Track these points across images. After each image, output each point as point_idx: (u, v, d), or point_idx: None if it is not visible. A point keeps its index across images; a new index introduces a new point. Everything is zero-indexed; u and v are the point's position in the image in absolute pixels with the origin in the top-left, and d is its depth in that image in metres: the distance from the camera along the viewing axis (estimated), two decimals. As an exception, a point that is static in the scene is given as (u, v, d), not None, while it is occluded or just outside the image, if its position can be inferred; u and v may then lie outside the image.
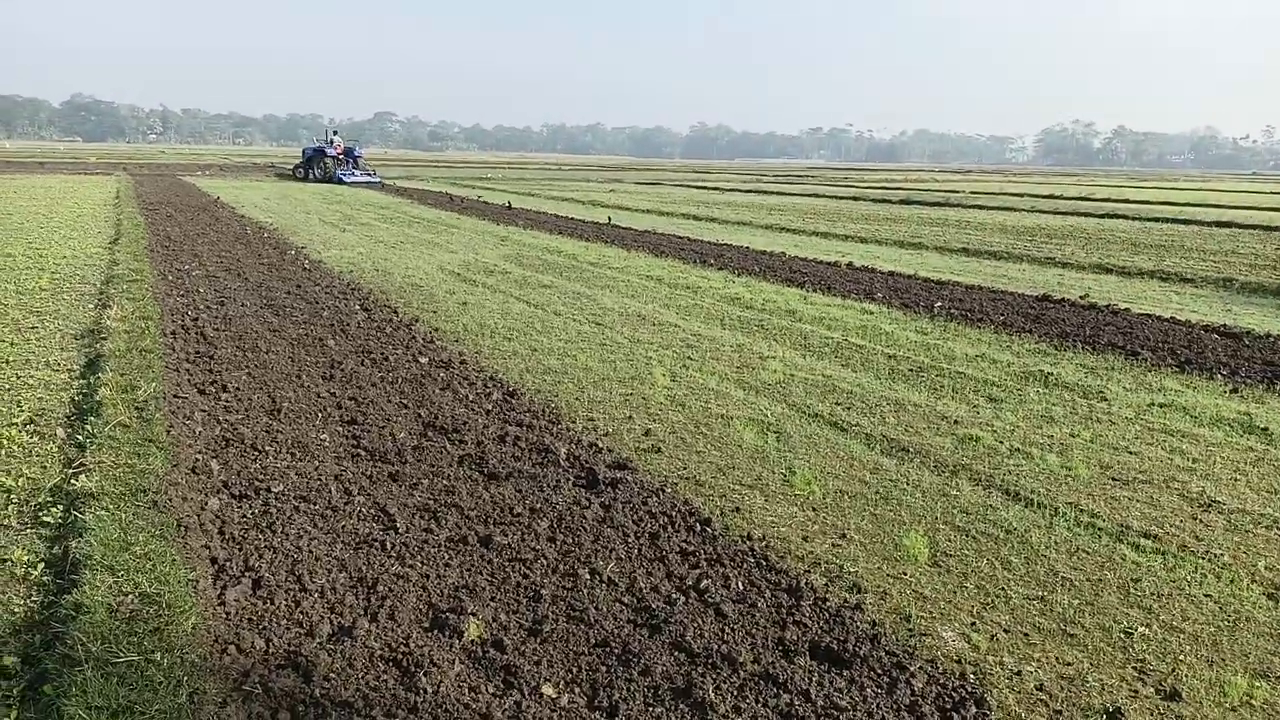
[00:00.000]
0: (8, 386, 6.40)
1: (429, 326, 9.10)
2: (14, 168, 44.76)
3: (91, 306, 9.36)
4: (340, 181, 39.22)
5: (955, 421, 6.28)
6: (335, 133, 42.74)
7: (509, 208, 25.89)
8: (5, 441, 5.28)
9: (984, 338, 9.24)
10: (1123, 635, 3.58)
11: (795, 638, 3.42)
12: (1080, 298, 11.76)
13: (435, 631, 3.38)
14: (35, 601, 3.57)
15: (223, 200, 25.25)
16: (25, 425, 5.60)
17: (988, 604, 3.79)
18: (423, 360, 7.53)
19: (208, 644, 3.19)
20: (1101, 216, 27.65)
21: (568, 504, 4.62)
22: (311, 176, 40.84)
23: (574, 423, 6.07)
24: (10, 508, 4.39)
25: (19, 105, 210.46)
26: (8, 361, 7.07)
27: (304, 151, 43.59)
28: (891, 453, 5.63)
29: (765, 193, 40.91)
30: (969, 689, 3.13)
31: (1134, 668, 3.36)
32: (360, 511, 4.44)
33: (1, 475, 4.76)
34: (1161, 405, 6.78)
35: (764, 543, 4.29)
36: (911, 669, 3.22)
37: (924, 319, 10.21)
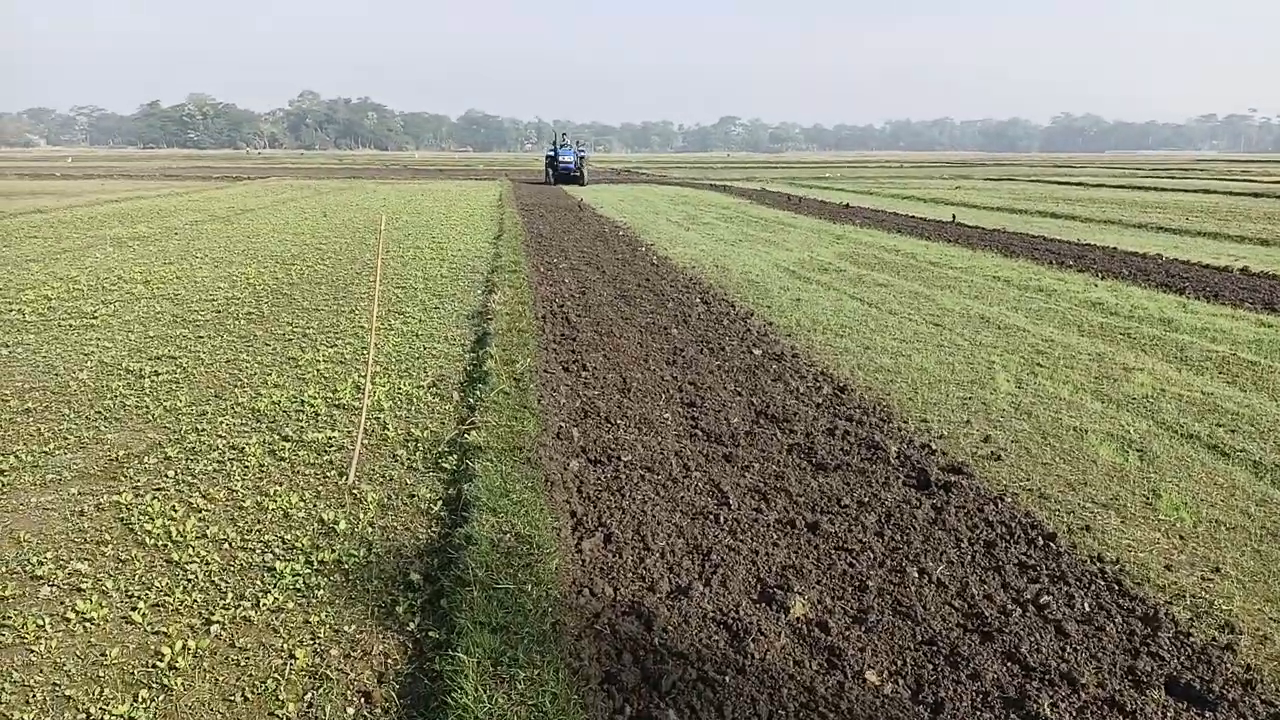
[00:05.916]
0: (418, 355, 7.66)
1: (763, 320, 9.36)
2: (422, 175, 52.80)
3: (480, 292, 10.85)
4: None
5: (1380, 457, 5.25)
6: (564, 134, 44.40)
7: (846, 207, 25.63)
8: (415, 400, 6.36)
9: None
10: None
11: (1149, 669, 3.12)
12: None
13: (763, 604, 3.56)
14: (435, 531, 4.29)
15: (584, 202, 27.76)
16: (429, 388, 6.68)
17: None
18: (756, 352, 7.79)
19: (566, 584, 3.64)
20: None
21: (897, 501, 4.58)
22: (582, 179, 39.75)
23: (906, 422, 5.95)
24: (418, 454, 5.29)
25: (425, 120, 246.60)
26: (417, 335, 8.46)
27: (558, 156, 41.35)
28: (1287, 485, 4.85)
29: (1140, 188, 36.43)
30: (1376, 762, 2.67)
31: None
32: (697, 486, 4.76)
33: (414, 428, 5.75)
34: None
35: (1117, 566, 3.93)
36: (1298, 726, 2.81)
37: (1344, 335, 8.57)
